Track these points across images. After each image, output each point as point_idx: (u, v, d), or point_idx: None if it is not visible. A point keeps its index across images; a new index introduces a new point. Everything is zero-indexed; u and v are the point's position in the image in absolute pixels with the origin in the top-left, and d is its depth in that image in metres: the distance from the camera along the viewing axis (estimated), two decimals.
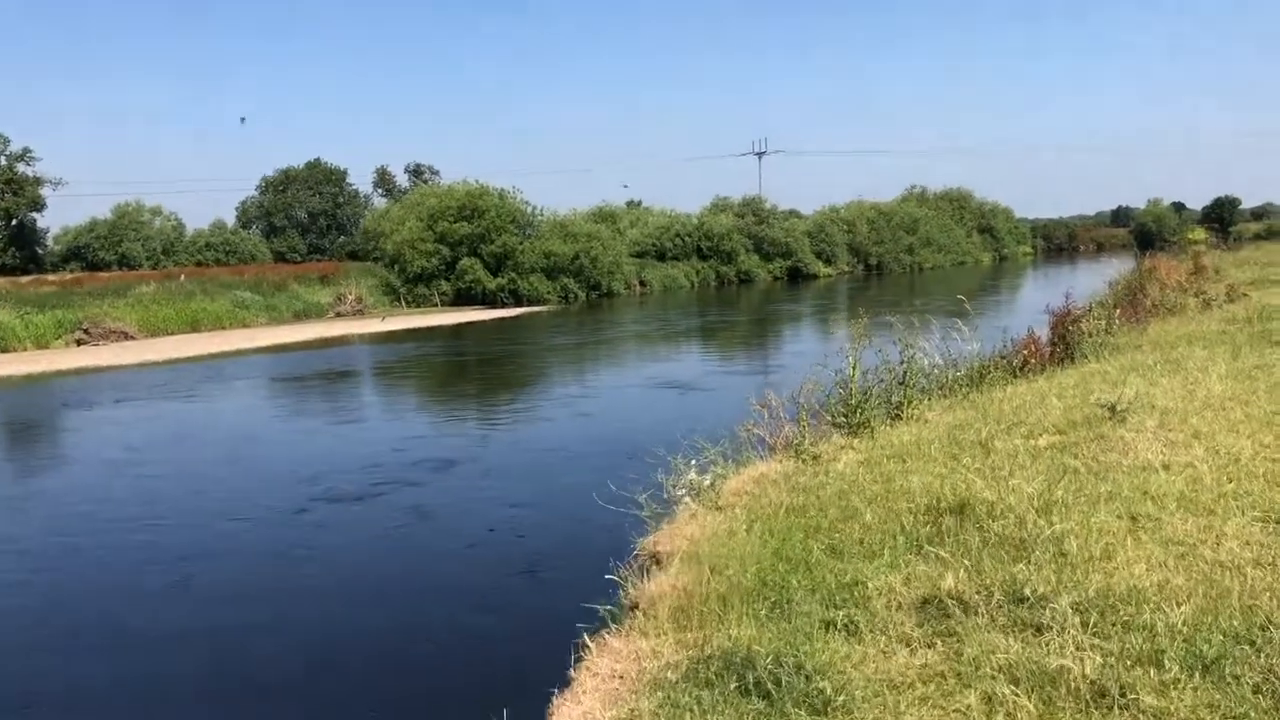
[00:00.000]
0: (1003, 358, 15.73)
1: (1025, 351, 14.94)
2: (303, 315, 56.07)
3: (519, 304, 62.46)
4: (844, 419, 10.30)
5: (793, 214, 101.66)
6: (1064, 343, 16.96)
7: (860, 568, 6.17)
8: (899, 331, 12.50)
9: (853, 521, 7.13)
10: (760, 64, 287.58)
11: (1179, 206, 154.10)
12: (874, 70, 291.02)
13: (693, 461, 8.77)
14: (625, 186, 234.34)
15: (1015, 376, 14.57)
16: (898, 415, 11.13)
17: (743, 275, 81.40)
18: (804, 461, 9.10)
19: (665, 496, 8.61)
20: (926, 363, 15.59)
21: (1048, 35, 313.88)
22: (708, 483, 8.35)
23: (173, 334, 47.41)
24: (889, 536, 6.70)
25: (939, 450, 9.27)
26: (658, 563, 7.46)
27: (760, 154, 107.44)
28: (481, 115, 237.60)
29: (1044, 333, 18.04)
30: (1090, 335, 16.19)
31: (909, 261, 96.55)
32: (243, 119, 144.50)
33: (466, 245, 63.22)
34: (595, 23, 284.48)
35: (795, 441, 9.35)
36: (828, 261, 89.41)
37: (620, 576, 7.11)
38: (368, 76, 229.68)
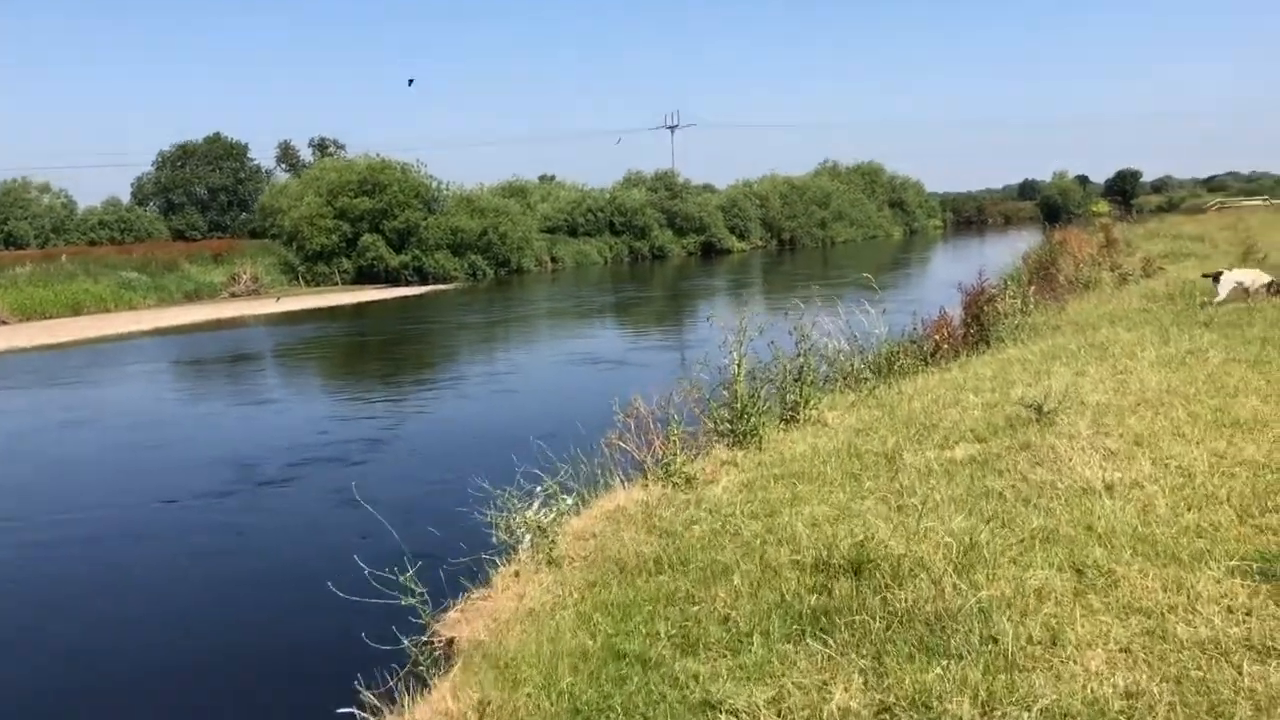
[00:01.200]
0: (913, 342, 14.19)
1: (937, 336, 13.40)
2: (194, 296, 53.04)
3: (424, 282, 60.06)
4: (728, 426, 8.60)
5: (707, 189, 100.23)
6: (978, 324, 15.48)
7: (717, 672, 4.42)
8: (801, 314, 10.74)
9: (718, 585, 5.38)
10: (675, 38, 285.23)
11: (1083, 179, 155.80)
12: (787, 46, 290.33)
13: (537, 490, 6.97)
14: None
15: (927, 364, 13.03)
16: (793, 417, 9.46)
17: (656, 251, 79.69)
18: (674, 486, 7.38)
19: (499, 539, 6.82)
20: (831, 347, 14.02)
21: (960, 12, 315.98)
22: (549, 519, 6.56)
23: (51, 318, 44.26)
24: (762, 613, 4.95)
25: (837, 467, 7.60)
26: (448, 658, 5.65)
27: (673, 128, 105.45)
28: (394, 89, 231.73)
29: (956, 312, 16.61)
30: (1006, 316, 14.72)
31: (821, 236, 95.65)
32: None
33: (368, 221, 60.56)
34: None
35: (665, 460, 7.61)
36: (741, 236, 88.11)
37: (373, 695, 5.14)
38: (275, 46, 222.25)
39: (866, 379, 12.22)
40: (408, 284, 59.51)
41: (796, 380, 9.56)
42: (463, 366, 28.39)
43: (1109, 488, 6.75)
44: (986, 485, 6.87)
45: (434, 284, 59.67)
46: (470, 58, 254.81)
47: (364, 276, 60.34)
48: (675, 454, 7.51)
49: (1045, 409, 8.53)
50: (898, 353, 13.33)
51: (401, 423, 19.05)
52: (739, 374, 8.65)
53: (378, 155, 65.10)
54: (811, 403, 9.56)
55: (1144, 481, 6.86)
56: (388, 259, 60.13)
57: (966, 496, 6.68)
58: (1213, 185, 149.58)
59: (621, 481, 7.68)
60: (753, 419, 8.45)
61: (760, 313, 11.07)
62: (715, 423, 8.51)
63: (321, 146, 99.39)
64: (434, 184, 64.90)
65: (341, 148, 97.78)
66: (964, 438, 8.36)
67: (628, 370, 24.57)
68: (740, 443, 8.42)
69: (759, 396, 8.76)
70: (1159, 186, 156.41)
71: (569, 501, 6.74)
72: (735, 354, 8.77)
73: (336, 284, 59.60)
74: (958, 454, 7.86)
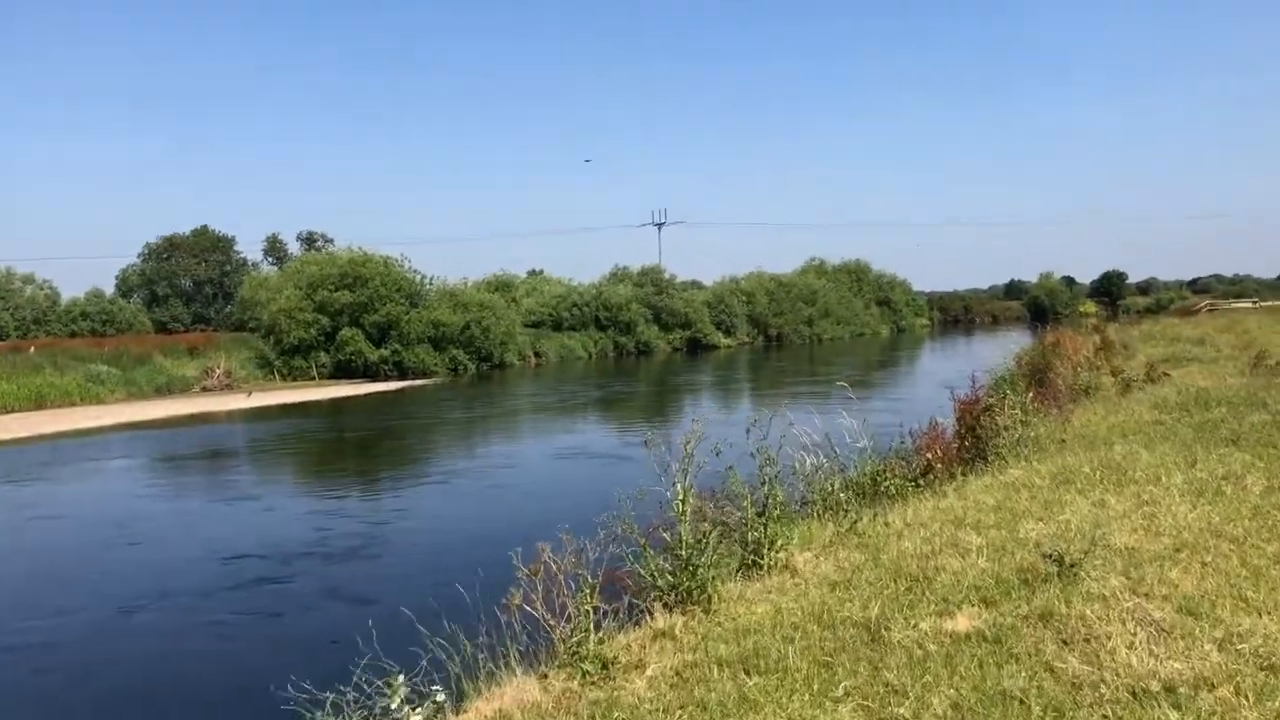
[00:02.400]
0: (901, 458, 12.40)
1: (929, 453, 11.61)
2: (166, 390, 51.12)
3: (403, 377, 58.38)
4: (669, 580, 6.71)
5: (694, 285, 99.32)
6: (974, 436, 13.68)
7: None
8: (766, 426, 8.90)
9: None
10: (661, 137, 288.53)
11: (1069, 280, 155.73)
12: (775, 145, 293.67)
13: (400, 679, 5.07)
14: (588, 161, 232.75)
15: (918, 485, 11.21)
16: (755, 562, 7.62)
17: (641, 346, 78.27)
18: (584, 675, 5.49)
19: None
20: (808, 464, 12.22)
21: (940, 113, 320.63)
22: None
23: (12, 411, 42.36)
24: None
25: (804, 647, 5.74)
26: None
27: (660, 225, 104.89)
28: (382, 185, 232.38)
29: (949, 421, 14.84)
30: (1005, 429, 12.96)
31: (808, 333, 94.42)
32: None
33: (348, 315, 59.12)
34: (492, 87, 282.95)
35: (575, 637, 5.67)
36: (727, 332, 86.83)
37: None
38: (265, 142, 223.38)
39: (848, 506, 10.39)
40: (386, 379, 57.82)
41: (760, 515, 7.73)
42: (429, 468, 26.60)
43: (1169, 689, 4.92)
44: (1002, 685, 5.01)
45: (413, 379, 58.00)
46: (460, 150, 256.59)
47: (342, 371, 58.66)
48: (587, 629, 5.62)
49: (1067, 560, 6.72)
50: (884, 471, 11.53)
51: (326, 538, 17.07)
52: (683, 510, 6.81)
53: (359, 249, 63.94)
54: (779, 542, 7.72)
55: (1214, 678, 5.03)
56: (367, 353, 58.52)
57: (975, 704, 4.82)
58: (1197, 287, 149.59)
59: (519, 662, 5.77)
60: (702, 571, 6.59)
61: (729, 417, 9.29)
62: (653, 576, 6.65)
63: (309, 240, 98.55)
64: (417, 278, 63.63)
65: (330, 241, 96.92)
66: (967, 598, 6.52)
67: (604, 469, 22.81)
68: (684, 602, 6.56)
69: (709, 539, 6.87)
70: (1144, 288, 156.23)
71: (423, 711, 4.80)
72: (679, 485, 6.93)
73: (314, 379, 57.88)
74: (960, 625, 6.01)
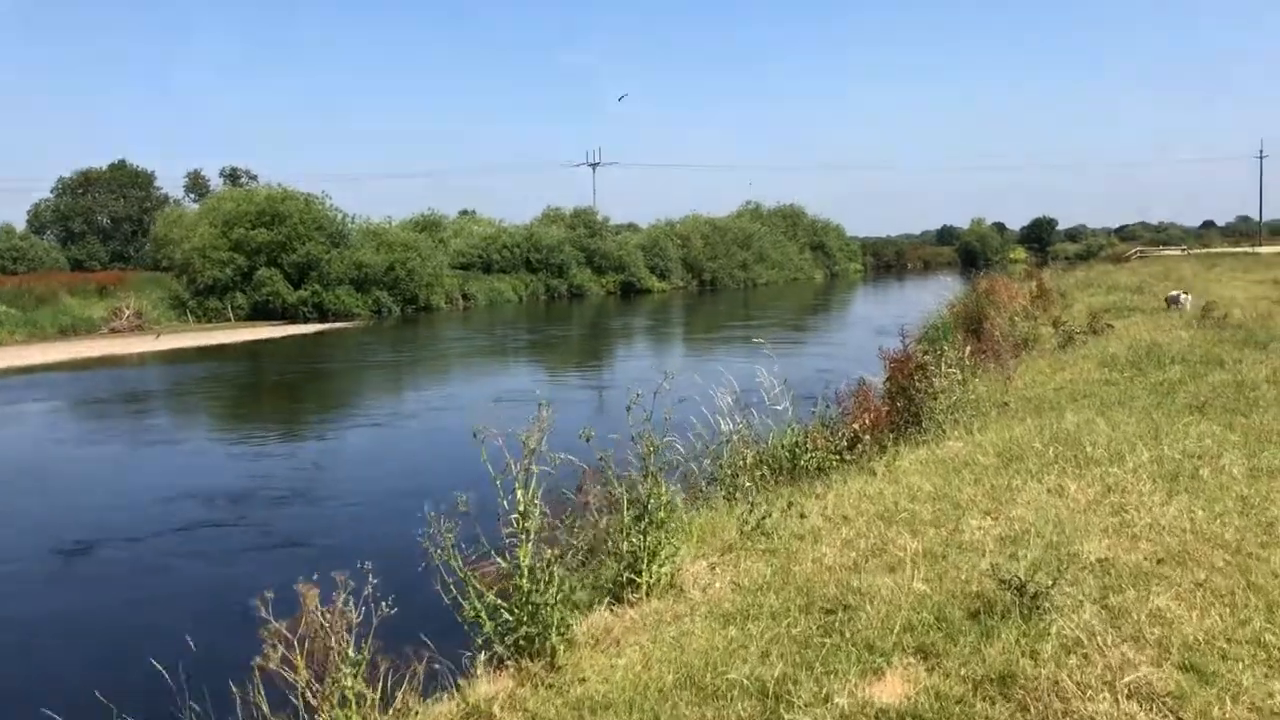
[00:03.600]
0: (825, 425, 10.71)
1: (856, 423, 9.90)
2: (71, 331, 48.25)
3: (323, 319, 55.80)
4: (509, 620, 4.84)
5: (631, 228, 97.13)
6: (906, 398, 12.03)
7: None
8: (670, 388, 7.06)
9: None
10: (601, 75, 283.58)
11: (1000, 227, 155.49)
12: (711, 87, 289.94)
13: None
14: (621, 98, 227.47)
15: (843, 460, 9.52)
16: (632, 580, 5.84)
17: (574, 289, 76.11)
18: None
19: None
20: (726, 428, 10.53)
21: (882, 60, 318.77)
22: None
23: None
24: None
25: None
26: None
27: (594, 165, 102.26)
28: (320, 119, 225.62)
29: (878, 379, 13.19)
30: (941, 392, 11.32)
31: (743, 278, 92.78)
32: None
33: (266, 254, 56.33)
34: (437, 21, 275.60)
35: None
36: (662, 276, 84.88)
37: None
38: (194, 75, 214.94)
39: (760, 489, 8.69)
40: (305, 321, 55.23)
41: (640, 519, 5.93)
42: (348, 415, 24.72)
43: None
44: None
45: (334, 321, 55.47)
46: (392, 90, 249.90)
47: (259, 313, 55.97)
48: (361, 700, 3.76)
49: (1029, 589, 5.05)
50: (806, 443, 9.82)
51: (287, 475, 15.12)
52: (523, 525, 4.92)
53: (280, 186, 60.90)
54: (663, 554, 5.96)
55: None
56: (285, 294, 55.85)
57: None
58: (1125, 234, 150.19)
59: None
60: (548, 611, 4.77)
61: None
62: (478, 618, 4.78)
63: (233, 177, 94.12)
64: (339, 216, 60.80)
65: (254, 178, 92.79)
66: (899, 643, 4.81)
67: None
68: (522, 653, 4.77)
69: (552, 570, 4.96)
70: (1073, 235, 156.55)
71: None
72: (519, 494, 5.04)
73: (229, 320, 55.13)
74: (889, 693, 4.31)
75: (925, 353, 13.00)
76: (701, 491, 9.36)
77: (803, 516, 7.29)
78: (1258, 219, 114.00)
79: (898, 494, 7.76)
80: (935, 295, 35.89)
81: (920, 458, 9.26)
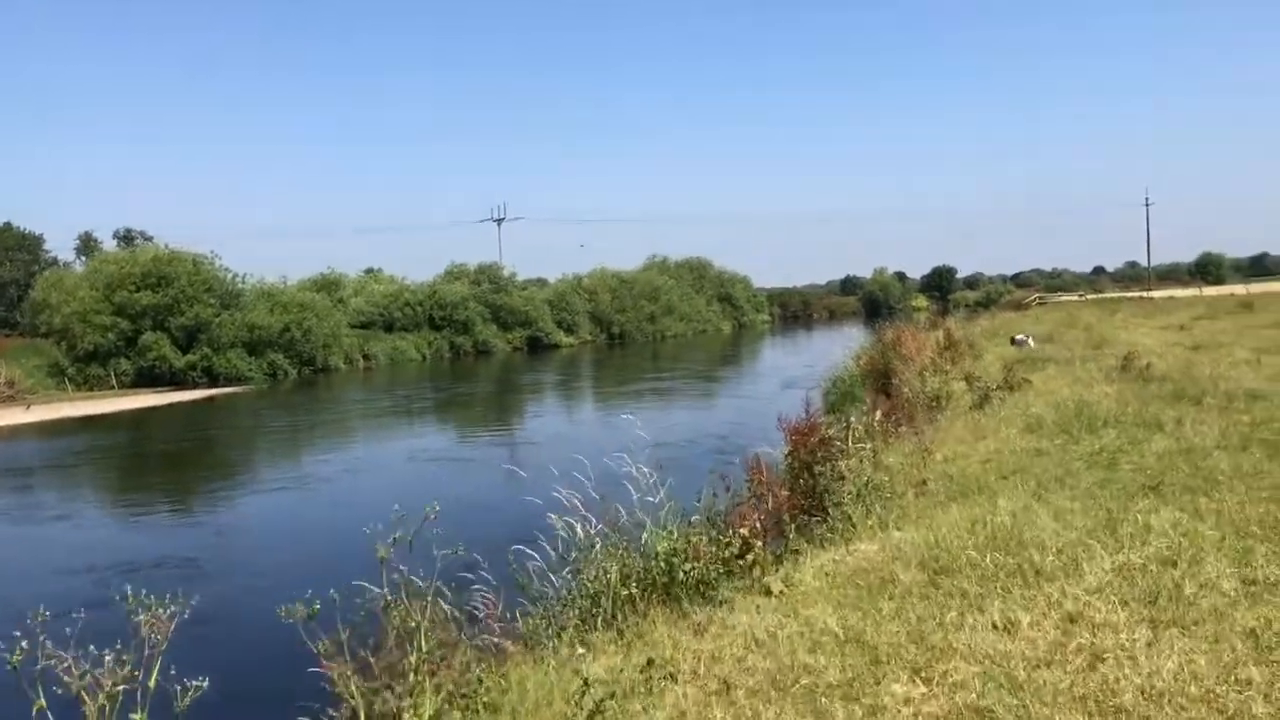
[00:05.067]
0: (712, 523, 8.63)
1: (745, 527, 7.78)
2: None
3: (214, 384, 52.52)
4: None
5: (539, 282, 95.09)
6: (810, 475, 10.06)
7: None
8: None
9: None
10: (506, 131, 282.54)
11: (902, 276, 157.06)
12: (615, 142, 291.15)
13: None
14: (582, 246, 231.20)
15: (731, 574, 7.44)
16: None
17: (480, 346, 73.63)
18: None
19: None
20: (579, 534, 8.41)
21: (769, 112, 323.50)
22: None
23: None
24: None
25: None
26: None
27: (499, 220, 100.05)
28: (210, 184, 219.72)
29: (780, 449, 11.23)
30: (847, 474, 9.37)
31: (651, 330, 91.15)
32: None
33: (151, 317, 52.91)
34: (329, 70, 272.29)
35: None
36: (569, 331, 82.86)
37: None
38: (86, 136, 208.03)
39: (625, 614, 6.61)
40: (195, 387, 51.90)
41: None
42: (239, 488, 22.07)
43: None
44: None
45: (226, 386, 52.22)
46: (294, 144, 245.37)
47: (145, 379, 52.53)
48: None
49: None
50: (685, 550, 7.71)
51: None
52: None
53: (166, 247, 57.66)
54: None
55: None
56: (172, 359, 52.47)
57: None
58: (1020, 281, 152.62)
59: None
60: None
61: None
62: None
63: (127, 238, 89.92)
64: (230, 277, 57.69)
65: (149, 239, 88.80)
66: None
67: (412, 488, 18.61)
68: None
69: None
70: (972, 283, 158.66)
71: None
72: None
73: (113, 388, 51.55)
74: None
75: (831, 422, 11.12)
76: (553, 622, 7.22)
77: (671, 678, 5.20)
78: (1146, 264, 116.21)
79: (792, 637, 5.70)
80: (842, 346, 34.48)
81: (827, 568, 7.24)
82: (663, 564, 7.54)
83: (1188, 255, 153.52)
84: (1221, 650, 5.02)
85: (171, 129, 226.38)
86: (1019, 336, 27.67)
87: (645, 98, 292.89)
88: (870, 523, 8.61)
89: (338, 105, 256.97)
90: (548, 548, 8.56)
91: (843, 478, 8.87)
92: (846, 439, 10.14)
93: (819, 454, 10.09)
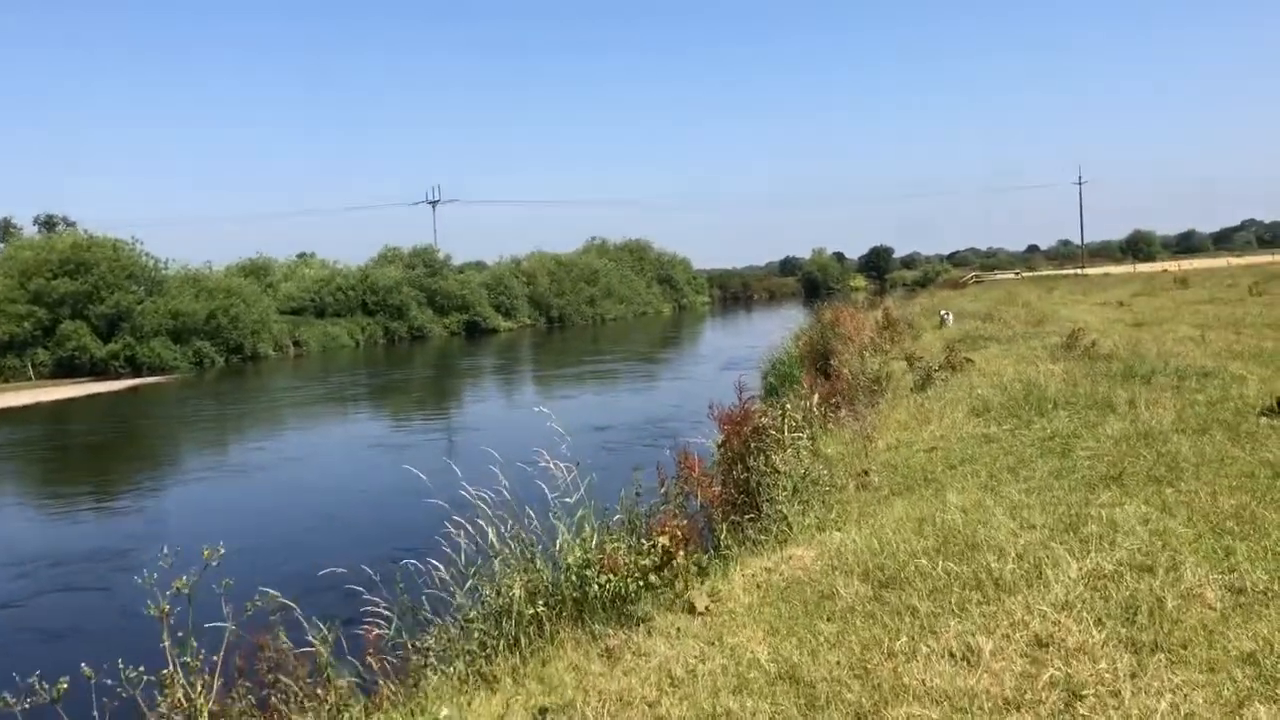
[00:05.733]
0: (632, 527, 7.70)
1: (665, 534, 6.83)
2: None
3: (137, 373, 50.54)
4: None
5: (479, 266, 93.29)
6: (744, 467, 9.19)
7: None
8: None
9: None
10: (441, 112, 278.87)
11: (840, 256, 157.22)
12: (553, 123, 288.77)
13: None
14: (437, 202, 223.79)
15: (650, 588, 6.53)
16: None
17: (415, 331, 71.95)
18: None
19: None
20: (493, 539, 7.44)
21: (705, 97, 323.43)
22: None
23: None
24: None
25: None
26: None
27: (435, 203, 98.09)
28: (135, 167, 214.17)
29: (714, 439, 10.33)
30: (784, 465, 8.51)
31: (591, 313, 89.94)
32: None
33: (70, 306, 50.71)
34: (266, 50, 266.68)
35: None
36: (507, 315, 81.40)
37: None
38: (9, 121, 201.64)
39: (530, 637, 5.67)
40: (118, 377, 49.90)
41: None
42: (166, 480, 20.79)
43: None
44: None
45: (150, 375, 50.28)
46: (225, 126, 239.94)
47: (65, 369, 50.36)
48: None
49: None
50: (599, 562, 6.78)
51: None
52: None
53: (86, 232, 55.42)
54: None
55: None
56: (93, 349, 50.37)
57: None
58: (956, 260, 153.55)
59: None
60: None
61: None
62: None
63: (49, 224, 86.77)
64: (153, 263, 55.56)
65: (72, 225, 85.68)
66: None
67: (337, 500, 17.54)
68: None
69: None
70: (909, 262, 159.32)
71: None
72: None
73: (30, 379, 49.39)
74: None
75: (765, 409, 10.25)
76: (450, 647, 6.25)
77: None
78: (1079, 243, 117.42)
79: (719, 674, 4.80)
80: (781, 326, 33.77)
81: (758, 578, 6.36)
82: (574, 577, 6.61)
83: (1119, 233, 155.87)
84: (1220, 682, 4.22)
85: (98, 112, 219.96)
86: (943, 312, 27.82)
87: (583, 82, 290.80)
88: (808, 522, 7.75)
89: (276, 84, 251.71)
90: (460, 555, 7.61)
91: (777, 472, 7.98)
92: (782, 427, 9.26)
93: (752, 444, 9.25)
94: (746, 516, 8.40)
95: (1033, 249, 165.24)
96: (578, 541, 6.95)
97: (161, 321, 52.29)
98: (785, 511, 7.75)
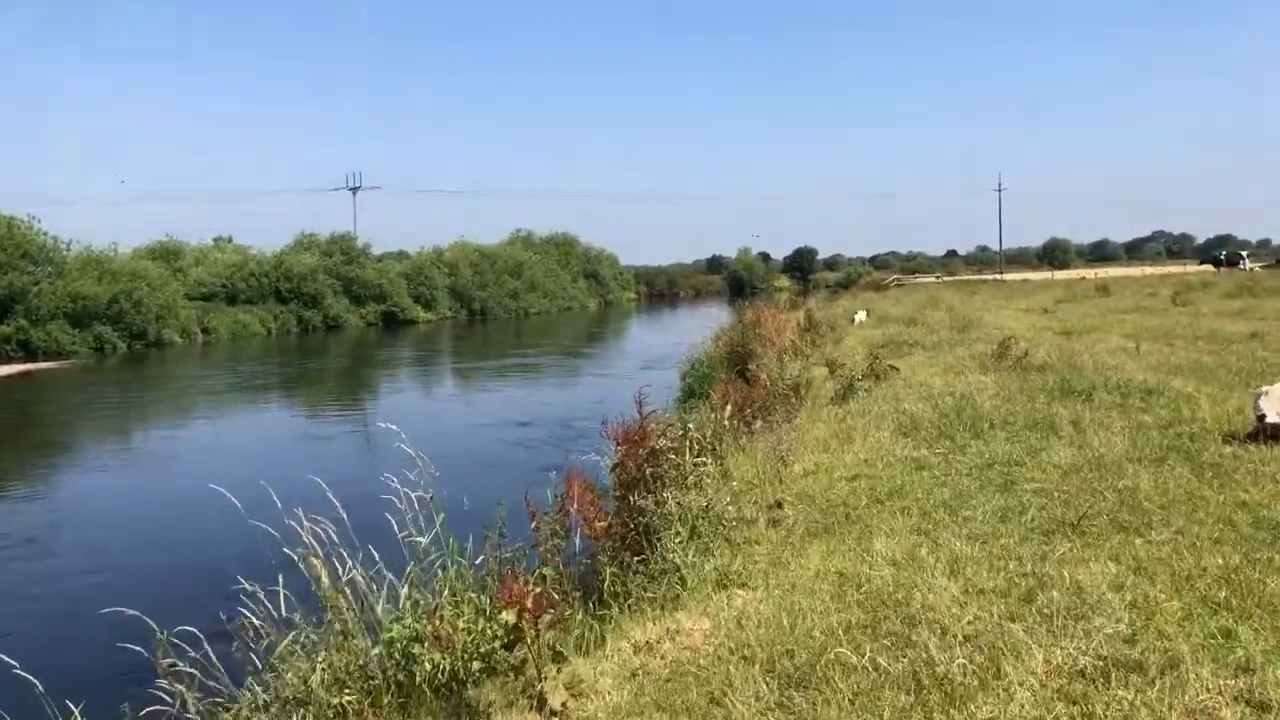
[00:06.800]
0: (485, 581, 6.14)
1: (514, 606, 5.20)
2: None
3: (31, 358, 47.44)
4: None
5: (401, 255, 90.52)
6: (641, 489, 7.68)
7: None
8: None
9: None
10: (365, 95, 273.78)
11: (765, 256, 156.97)
12: (479, 112, 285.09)
13: None
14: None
15: (488, 670, 4.98)
16: None
17: (330, 321, 69.20)
18: None
19: None
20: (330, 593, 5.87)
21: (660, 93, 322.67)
22: None
23: None
24: None
25: None
26: None
27: (355, 189, 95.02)
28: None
29: (607, 458, 8.82)
30: (679, 503, 7.04)
31: (514, 307, 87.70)
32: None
33: None
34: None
35: None
36: (427, 306, 78.95)
37: None
38: None
39: None
40: (9, 361, 46.78)
41: None
42: (60, 471, 18.71)
43: None
44: None
45: (45, 361, 47.25)
46: (141, 103, 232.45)
47: None
48: None
49: None
50: (434, 632, 5.21)
51: None
52: None
53: None
54: None
55: None
56: None
57: None
58: (878, 263, 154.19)
59: None
60: None
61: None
62: None
63: None
64: (50, 243, 52.36)
65: None
66: None
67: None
68: None
69: None
70: (832, 264, 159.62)
71: None
72: None
73: None
74: None
75: (667, 424, 8.72)
76: None
77: None
78: (997, 249, 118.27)
79: None
80: (703, 325, 32.46)
81: (634, 661, 4.86)
82: (398, 656, 5.03)
83: (1034, 241, 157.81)
84: None
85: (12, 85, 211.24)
86: (856, 315, 27.63)
87: (525, 72, 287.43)
88: (706, 571, 6.28)
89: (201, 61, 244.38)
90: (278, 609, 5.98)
91: (669, 514, 6.49)
92: (683, 450, 7.77)
93: (647, 470, 7.72)
94: (637, 558, 6.91)
95: (951, 254, 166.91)
96: (405, 608, 5.37)
97: (60, 304, 49.26)
98: (679, 561, 6.25)
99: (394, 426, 7.17)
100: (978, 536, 6.38)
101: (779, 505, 7.80)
